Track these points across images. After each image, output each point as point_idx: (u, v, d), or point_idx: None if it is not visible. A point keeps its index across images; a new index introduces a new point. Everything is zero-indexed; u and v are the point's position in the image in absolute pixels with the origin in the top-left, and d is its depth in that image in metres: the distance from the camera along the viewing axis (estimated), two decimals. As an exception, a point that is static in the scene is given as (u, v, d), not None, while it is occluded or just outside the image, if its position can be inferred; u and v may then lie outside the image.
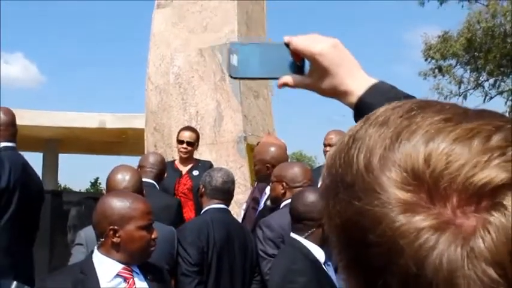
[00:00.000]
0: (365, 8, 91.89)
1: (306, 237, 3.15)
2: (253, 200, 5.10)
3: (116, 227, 2.63)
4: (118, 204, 2.67)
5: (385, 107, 0.66)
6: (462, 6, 22.01)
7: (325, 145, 5.95)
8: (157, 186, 4.58)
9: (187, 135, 5.89)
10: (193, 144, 5.89)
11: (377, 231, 0.57)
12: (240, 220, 4.87)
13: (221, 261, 3.74)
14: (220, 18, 7.14)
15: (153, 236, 2.71)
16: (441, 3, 22.14)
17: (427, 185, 0.56)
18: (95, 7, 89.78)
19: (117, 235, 2.63)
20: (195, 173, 5.74)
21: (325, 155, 5.95)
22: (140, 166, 4.60)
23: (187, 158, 5.86)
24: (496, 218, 0.53)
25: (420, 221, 0.55)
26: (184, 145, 5.82)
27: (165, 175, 4.87)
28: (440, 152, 0.56)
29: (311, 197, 3.20)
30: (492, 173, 0.54)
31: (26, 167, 4.51)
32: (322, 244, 3.17)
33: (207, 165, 5.69)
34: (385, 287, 0.57)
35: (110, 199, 2.73)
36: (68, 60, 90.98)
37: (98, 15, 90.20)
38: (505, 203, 0.54)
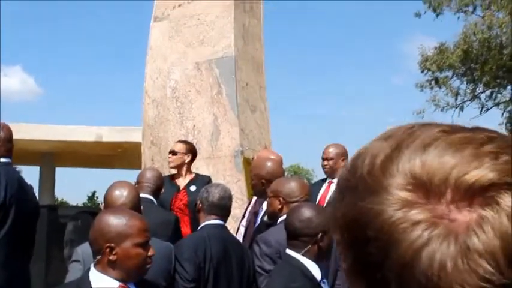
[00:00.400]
0: (362, 20, 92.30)
1: (303, 254, 3.12)
2: (254, 215, 5.07)
3: (112, 245, 2.61)
4: (114, 221, 2.66)
5: (392, 126, 0.71)
6: (458, 17, 22.14)
7: (323, 159, 5.94)
8: (155, 201, 4.56)
9: (175, 146, 5.93)
10: (177, 153, 5.87)
11: (375, 226, 0.61)
12: (237, 235, 4.85)
13: (218, 277, 3.73)
14: (217, 32, 7.16)
15: (149, 253, 2.70)
16: (437, 15, 22.23)
17: (424, 184, 0.60)
18: (94, 21, 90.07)
19: (113, 252, 2.62)
20: (192, 188, 5.71)
21: (323, 169, 5.94)
22: (138, 182, 4.60)
23: (179, 171, 5.85)
24: (488, 213, 0.57)
25: (415, 214, 0.59)
26: (170, 155, 5.85)
27: (163, 190, 4.85)
28: (435, 155, 0.61)
29: (307, 212, 3.17)
30: (483, 172, 0.58)
31: (21, 182, 4.50)
32: (317, 261, 3.14)
33: (205, 180, 5.66)
34: (383, 282, 0.60)
35: (107, 216, 2.72)
36: (65, 73, 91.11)
37: (96, 29, 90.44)
38: (496, 199, 0.57)
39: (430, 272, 0.57)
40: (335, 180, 5.76)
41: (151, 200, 4.47)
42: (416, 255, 0.57)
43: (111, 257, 2.62)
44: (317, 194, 5.85)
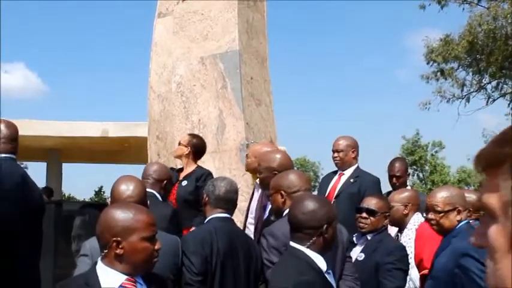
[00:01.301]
0: (365, 14, 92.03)
1: (308, 247, 3.12)
2: (263, 210, 5.05)
3: (119, 239, 2.64)
4: (121, 215, 2.69)
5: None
6: (463, 9, 22.09)
7: (333, 151, 5.93)
8: (157, 195, 4.56)
9: (182, 137, 6.05)
10: (180, 144, 5.95)
11: None
12: (246, 232, 4.84)
13: (225, 270, 3.75)
14: (221, 27, 7.18)
15: (156, 247, 2.72)
16: (442, 7, 22.19)
17: None
18: (98, 17, 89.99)
19: (120, 246, 2.64)
20: (184, 183, 5.75)
21: (334, 160, 5.92)
22: (142, 177, 4.62)
23: (184, 163, 5.91)
24: None
25: None
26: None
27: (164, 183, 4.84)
28: None
29: (310, 205, 3.16)
30: None
31: (25, 178, 4.51)
32: (322, 252, 3.16)
33: (198, 174, 5.70)
34: None
35: (113, 210, 2.74)
36: (69, 70, 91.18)
37: (99, 24, 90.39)
38: None
39: None
40: (346, 172, 5.82)
41: (153, 194, 4.47)
42: None
43: (118, 251, 2.64)
44: (327, 185, 5.88)
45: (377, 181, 5.84)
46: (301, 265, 3.10)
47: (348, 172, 5.86)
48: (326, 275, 3.14)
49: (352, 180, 5.78)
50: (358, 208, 4.68)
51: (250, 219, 5.13)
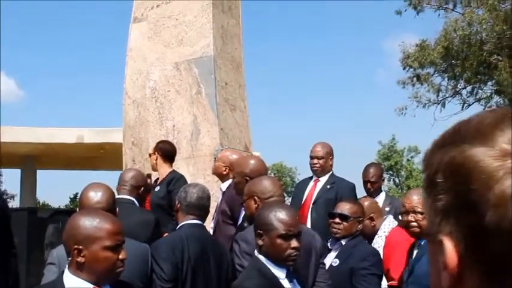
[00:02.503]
0: (343, 17, 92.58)
1: (260, 253, 3.20)
2: (222, 213, 5.10)
3: (80, 247, 2.59)
4: (85, 223, 2.63)
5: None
6: (439, 15, 22.29)
7: (312, 157, 5.94)
8: (135, 202, 4.50)
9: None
10: (150, 155, 5.93)
11: (477, 171, 0.73)
12: None
13: (196, 276, 3.72)
14: (195, 32, 7.15)
15: (120, 257, 2.66)
16: (418, 13, 22.37)
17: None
18: (73, 22, 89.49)
19: (81, 255, 2.59)
20: (157, 188, 5.72)
21: (313, 167, 5.92)
22: (118, 184, 4.57)
23: (158, 171, 5.88)
24: None
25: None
26: None
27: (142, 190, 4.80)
28: None
29: (294, 214, 3.23)
30: None
31: None
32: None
33: (170, 178, 5.67)
34: (479, 216, 0.72)
35: (78, 218, 2.69)
36: (45, 75, 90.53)
37: (76, 30, 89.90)
38: None
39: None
40: (322, 179, 5.84)
41: (131, 201, 4.42)
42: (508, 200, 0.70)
43: (79, 259, 2.59)
44: (303, 192, 5.88)
45: (353, 187, 5.89)
46: (250, 271, 3.18)
47: (324, 178, 5.89)
48: (285, 282, 3.13)
49: (328, 186, 5.81)
50: (331, 213, 4.67)
51: (211, 223, 5.21)
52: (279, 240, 3.15)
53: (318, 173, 5.91)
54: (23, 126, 15.42)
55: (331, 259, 4.53)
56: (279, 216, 3.20)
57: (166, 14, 7.40)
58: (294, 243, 3.15)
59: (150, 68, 7.32)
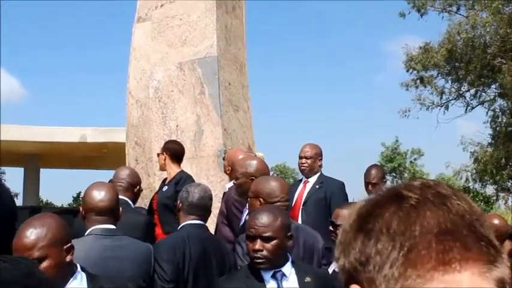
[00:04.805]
0: (346, 19, 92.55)
1: None
2: (220, 214, 5.12)
3: None
4: (19, 231, 2.63)
5: None
6: (442, 17, 22.33)
7: (300, 157, 6.06)
8: (130, 202, 4.45)
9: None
10: (158, 155, 5.92)
11: None
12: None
13: (197, 277, 3.72)
14: (199, 32, 7.15)
15: None
16: (421, 15, 22.38)
17: None
18: (77, 21, 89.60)
19: None
20: (164, 188, 5.72)
21: (301, 166, 6.04)
22: (113, 181, 4.54)
23: (167, 171, 5.86)
24: None
25: None
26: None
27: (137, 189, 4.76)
28: None
29: (264, 217, 3.21)
30: None
31: None
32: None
33: (178, 178, 5.66)
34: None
35: (26, 222, 2.68)
36: (48, 74, 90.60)
37: (79, 29, 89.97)
38: None
39: None
40: (311, 179, 5.93)
41: (125, 201, 4.33)
42: None
43: None
44: (293, 194, 5.93)
45: (342, 185, 6.02)
46: (237, 273, 3.27)
47: (313, 179, 6.03)
48: (272, 285, 3.15)
49: (317, 186, 5.94)
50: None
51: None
52: (247, 241, 3.21)
53: (306, 172, 6.04)
54: (26, 125, 15.45)
55: (334, 265, 4.49)
56: (251, 218, 3.26)
57: (170, 14, 7.40)
58: (255, 245, 3.15)
59: (153, 68, 7.32)
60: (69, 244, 2.67)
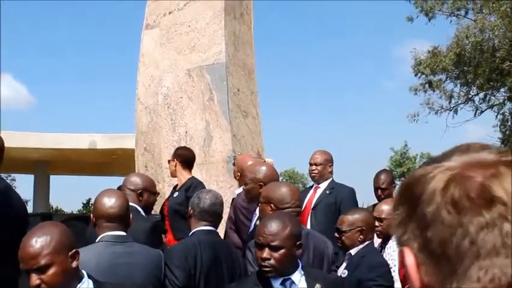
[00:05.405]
0: (353, 24, 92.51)
1: None
2: (229, 220, 5.15)
3: None
4: (23, 241, 2.67)
5: None
6: (450, 21, 22.24)
7: (311, 164, 6.08)
8: (139, 209, 4.32)
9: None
10: (169, 162, 5.93)
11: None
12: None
13: (208, 283, 3.72)
14: (207, 39, 7.18)
15: (30, 283, 2.64)
16: (429, 19, 22.33)
17: None
18: (86, 28, 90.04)
19: None
20: (175, 194, 5.74)
21: (311, 173, 6.04)
22: (122, 187, 4.52)
23: (178, 178, 5.88)
24: None
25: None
26: None
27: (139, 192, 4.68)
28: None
29: (274, 225, 3.20)
30: None
31: (7, 190, 4.40)
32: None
33: (188, 185, 5.67)
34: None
35: (29, 232, 2.72)
36: (57, 81, 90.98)
37: (88, 36, 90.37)
38: None
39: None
40: (321, 185, 5.94)
41: (135, 208, 4.22)
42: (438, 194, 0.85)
43: None
44: (304, 199, 5.93)
45: (352, 191, 6.03)
46: (246, 280, 3.29)
47: (324, 185, 6.05)
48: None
49: (328, 191, 5.96)
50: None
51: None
52: (256, 249, 3.23)
53: (316, 179, 6.07)
54: (36, 131, 15.51)
55: (341, 270, 4.48)
56: (260, 225, 3.28)
57: (178, 20, 7.43)
58: (263, 253, 3.15)
59: (162, 75, 7.35)
60: (74, 250, 2.69)
